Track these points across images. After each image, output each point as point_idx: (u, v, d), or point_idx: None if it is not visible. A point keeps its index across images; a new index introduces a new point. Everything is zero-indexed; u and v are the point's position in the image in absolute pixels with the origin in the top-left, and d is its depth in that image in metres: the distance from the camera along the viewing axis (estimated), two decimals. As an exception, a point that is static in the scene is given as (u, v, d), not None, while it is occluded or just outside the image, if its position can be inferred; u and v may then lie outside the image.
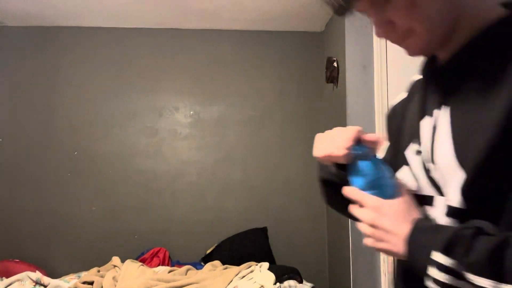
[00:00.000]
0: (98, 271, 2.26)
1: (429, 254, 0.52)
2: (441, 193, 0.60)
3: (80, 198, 2.74)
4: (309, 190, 2.78)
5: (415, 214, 0.60)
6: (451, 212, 0.57)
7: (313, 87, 2.87)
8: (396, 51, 2.22)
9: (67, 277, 2.25)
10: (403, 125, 0.74)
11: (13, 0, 2.44)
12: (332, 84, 2.53)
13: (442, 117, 0.61)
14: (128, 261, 2.28)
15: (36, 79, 2.79)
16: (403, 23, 0.59)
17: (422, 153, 0.64)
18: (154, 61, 2.85)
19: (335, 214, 2.47)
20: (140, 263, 2.30)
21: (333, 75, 2.44)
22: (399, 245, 0.57)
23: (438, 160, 0.60)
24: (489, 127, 0.53)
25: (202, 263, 2.52)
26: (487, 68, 0.57)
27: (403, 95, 0.79)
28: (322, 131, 0.76)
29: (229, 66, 2.85)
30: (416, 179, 0.65)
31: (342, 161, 0.67)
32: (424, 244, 0.54)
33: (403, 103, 0.77)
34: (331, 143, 0.67)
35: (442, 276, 0.50)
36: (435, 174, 0.61)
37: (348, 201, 0.66)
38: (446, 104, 0.61)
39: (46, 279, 2.10)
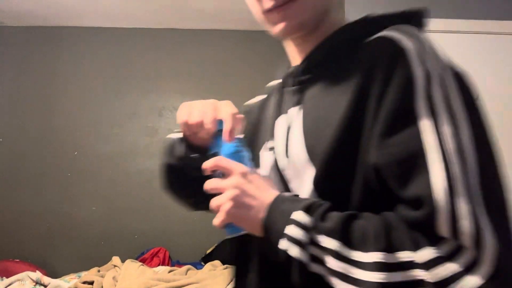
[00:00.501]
0: (98, 271, 2.26)
1: (289, 215, 0.53)
2: (287, 189, 0.62)
3: (80, 198, 2.74)
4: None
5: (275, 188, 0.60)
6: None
7: (313, 87, 2.87)
8: (396, 51, 2.23)
9: (67, 277, 2.25)
10: (258, 126, 0.75)
11: (13, 0, 2.44)
12: (332, 84, 2.53)
13: (296, 115, 0.63)
14: (128, 261, 2.28)
15: (36, 79, 2.79)
16: None
17: (276, 150, 0.65)
18: (154, 61, 2.85)
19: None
20: (140, 263, 2.30)
21: (333, 75, 2.44)
22: (261, 211, 0.56)
23: (292, 157, 0.62)
24: (334, 123, 0.56)
25: (202, 263, 2.52)
26: (333, 69, 0.62)
27: (260, 97, 0.82)
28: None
29: (229, 66, 2.85)
30: (268, 175, 0.66)
31: (205, 135, 0.65)
32: (285, 208, 0.54)
33: (259, 104, 0.80)
34: (203, 113, 0.64)
35: (298, 232, 0.51)
36: (287, 171, 0.62)
37: (197, 189, 0.64)
38: (300, 103, 0.64)
39: (46, 279, 2.10)
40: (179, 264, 2.52)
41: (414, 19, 0.62)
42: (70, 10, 2.56)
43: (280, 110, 0.68)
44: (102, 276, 2.13)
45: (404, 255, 0.47)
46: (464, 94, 0.52)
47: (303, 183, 0.59)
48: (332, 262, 0.49)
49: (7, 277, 2.13)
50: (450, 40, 2.21)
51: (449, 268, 0.45)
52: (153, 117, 2.84)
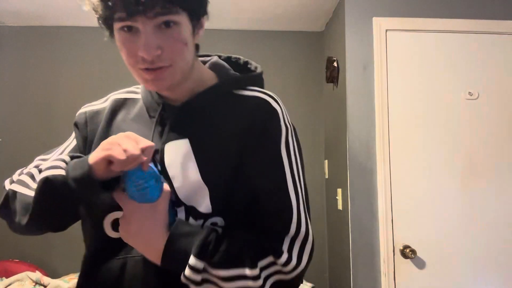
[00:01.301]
0: (98, 271, 2.26)
1: (186, 259, 0.68)
2: (179, 204, 0.76)
3: (80, 198, 2.74)
4: (308, 190, 2.77)
5: (163, 216, 0.71)
6: (200, 216, 0.74)
7: (313, 87, 2.87)
8: (396, 51, 2.23)
9: (67, 277, 2.25)
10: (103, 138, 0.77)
11: (13, 0, 2.44)
12: (332, 84, 2.53)
13: (183, 145, 0.76)
14: (128, 261, 2.28)
15: (36, 79, 2.79)
16: (171, 54, 0.70)
17: (172, 172, 0.75)
18: (154, 61, 2.85)
19: (335, 214, 2.47)
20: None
21: (333, 75, 2.44)
22: (140, 244, 0.71)
23: (188, 178, 0.74)
24: (223, 159, 0.75)
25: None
26: (213, 113, 0.79)
27: (98, 105, 0.90)
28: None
29: (229, 66, 2.84)
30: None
31: (128, 168, 0.67)
32: (181, 248, 0.69)
33: (100, 115, 0.86)
34: (134, 147, 0.66)
35: (196, 276, 0.67)
36: (182, 189, 0.75)
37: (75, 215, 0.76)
38: (185, 137, 0.77)
39: (46, 279, 2.10)
40: (179, 264, 2.51)
41: (260, 81, 0.87)
42: (70, 10, 2.56)
43: (164, 138, 0.78)
44: (102, 276, 2.12)
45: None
46: (298, 142, 0.82)
47: (201, 199, 0.74)
48: (222, 284, 0.68)
49: (7, 277, 2.13)
50: (450, 40, 2.21)
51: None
52: (153, 117, 2.84)
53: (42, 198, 0.69)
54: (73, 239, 2.69)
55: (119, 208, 0.72)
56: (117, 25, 0.70)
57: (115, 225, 0.73)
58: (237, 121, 0.77)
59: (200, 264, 0.67)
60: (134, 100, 0.88)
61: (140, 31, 0.68)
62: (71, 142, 0.91)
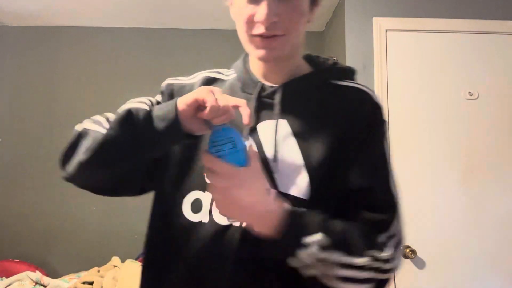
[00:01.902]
0: (98, 271, 2.26)
1: (305, 234, 0.64)
2: (274, 186, 0.72)
3: (80, 198, 2.74)
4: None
5: (265, 184, 0.66)
6: (298, 203, 0.70)
7: (313, 87, 2.86)
8: (396, 51, 2.23)
9: (67, 277, 2.25)
10: None
11: (13, 0, 2.44)
12: (332, 84, 2.53)
13: (283, 125, 0.74)
14: (128, 261, 2.28)
15: (36, 79, 2.79)
16: (287, 23, 0.70)
17: (267, 153, 0.73)
18: (154, 61, 2.85)
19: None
20: (140, 263, 2.30)
21: (333, 75, 2.44)
22: (243, 213, 0.64)
23: (285, 160, 0.72)
24: (324, 146, 0.72)
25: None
26: (312, 100, 0.77)
27: (186, 81, 0.87)
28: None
29: (229, 66, 2.84)
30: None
31: (219, 119, 0.63)
32: (301, 224, 0.65)
33: (188, 91, 0.77)
34: (227, 99, 0.64)
35: (318, 253, 0.63)
36: (279, 172, 0.72)
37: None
38: (282, 116, 0.75)
39: (46, 279, 2.10)
40: (179, 264, 2.51)
41: (353, 76, 0.84)
42: (70, 10, 2.55)
43: (258, 116, 0.76)
44: (102, 276, 2.13)
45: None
46: None
47: (298, 183, 0.71)
48: (338, 271, 0.64)
49: (7, 277, 2.13)
50: (450, 40, 2.21)
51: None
52: (153, 117, 2.84)
53: (118, 128, 0.66)
54: (73, 239, 2.70)
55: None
56: None
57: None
58: (339, 110, 0.76)
59: (327, 241, 0.63)
60: (222, 81, 0.87)
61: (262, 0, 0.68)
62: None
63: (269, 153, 0.73)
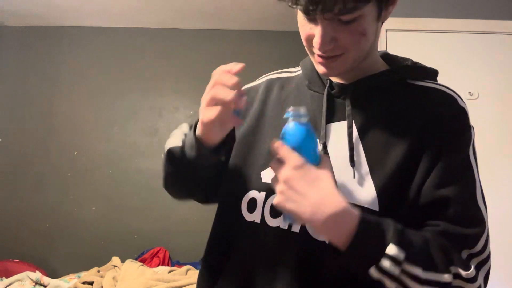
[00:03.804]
0: (98, 271, 2.26)
1: (382, 247, 0.56)
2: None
3: (80, 198, 2.74)
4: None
5: (334, 186, 0.60)
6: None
7: (313, 87, 2.86)
8: (396, 51, 2.22)
9: (67, 277, 2.25)
10: (264, 115, 0.77)
11: (13, 0, 2.44)
12: (332, 84, 2.53)
13: (351, 127, 0.69)
14: (128, 261, 2.28)
15: (36, 79, 2.79)
16: (345, 44, 0.63)
17: (335, 154, 0.68)
18: (154, 61, 2.85)
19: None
20: (140, 263, 2.30)
21: (333, 75, 2.44)
22: (315, 212, 0.57)
23: (356, 166, 0.66)
24: (397, 153, 0.66)
25: (202, 263, 2.52)
26: (384, 98, 0.71)
27: (252, 84, 0.86)
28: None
29: (229, 66, 2.85)
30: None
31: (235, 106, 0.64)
32: (373, 235, 0.58)
33: (262, 94, 0.81)
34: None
35: (394, 269, 0.56)
36: (347, 176, 0.66)
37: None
38: (351, 117, 0.69)
39: (46, 279, 2.10)
40: (179, 264, 2.52)
41: (435, 77, 0.79)
42: (70, 10, 2.56)
43: (331, 116, 0.71)
44: (102, 276, 2.13)
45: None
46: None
47: (365, 192, 0.65)
48: (415, 286, 0.57)
49: (7, 277, 2.13)
50: (450, 40, 2.21)
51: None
52: (153, 117, 2.84)
53: (168, 168, 0.74)
54: (73, 239, 2.71)
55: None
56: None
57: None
58: (416, 112, 0.69)
59: (401, 254, 0.56)
60: (288, 79, 0.83)
61: (318, 22, 0.63)
62: None
63: (335, 157, 0.68)
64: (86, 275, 2.19)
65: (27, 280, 2.05)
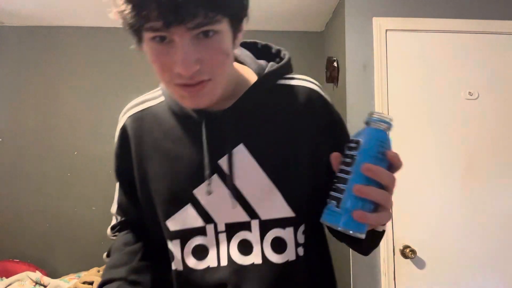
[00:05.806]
0: (98, 271, 2.26)
1: None
2: (253, 216, 0.70)
3: (80, 198, 2.74)
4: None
5: None
6: (287, 222, 0.70)
7: (313, 87, 2.86)
8: (396, 51, 2.23)
9: (67, 277, 2.25)
10: (147, 159, 0.79)
11: (13, 0, 2.44)
12: (332, 84, 2.53)
13: (239, 152, 0.70)
14: (128, 261, 2.28)
15: (36, 79, 2.79)
16: (212, 66, 0.61)
17: (238, 185, 0.70)
18: (154, 61, 2.85)
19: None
20: (140, 263, 2.29)
21: (333, 75, 2.44)
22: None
23: (254, 185, 0.69)
24: (288, 153, 0.71)
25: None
26: (262, 111, 0.73)
27: (136, 109, 0.85)
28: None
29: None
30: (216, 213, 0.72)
31: None
32: None
33: (148, 127, 0.79)
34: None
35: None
36: (252, 198, 0.69)
37: None
38: (237, 141, 0.70)
39: (46, 279, 2.10)
40: (179, 264, 2.51)
41: (291, 68, 0.82)
42: (70, 10, 2.55)
43: (219, 150, 0.71)
44: (102, 276, 2.12)
45: None
46: None
47: (273, 202, 0.70)
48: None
49: (7, 277, 2.13)
50: (450, 40, 2.21)
51: None
52: (153, 117, 2.84)
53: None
54: (73, 239, 2.70)
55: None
56: (148, 35, 0.58)
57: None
58: (293, 115, 0.74)
59: None
60: (152, 110, 0.80)
61: (175, 42, 0.57)
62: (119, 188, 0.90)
63: (239, 184, 0.70)
64: (86, 275, 2.19)
65: (27, 280, 2.05)
